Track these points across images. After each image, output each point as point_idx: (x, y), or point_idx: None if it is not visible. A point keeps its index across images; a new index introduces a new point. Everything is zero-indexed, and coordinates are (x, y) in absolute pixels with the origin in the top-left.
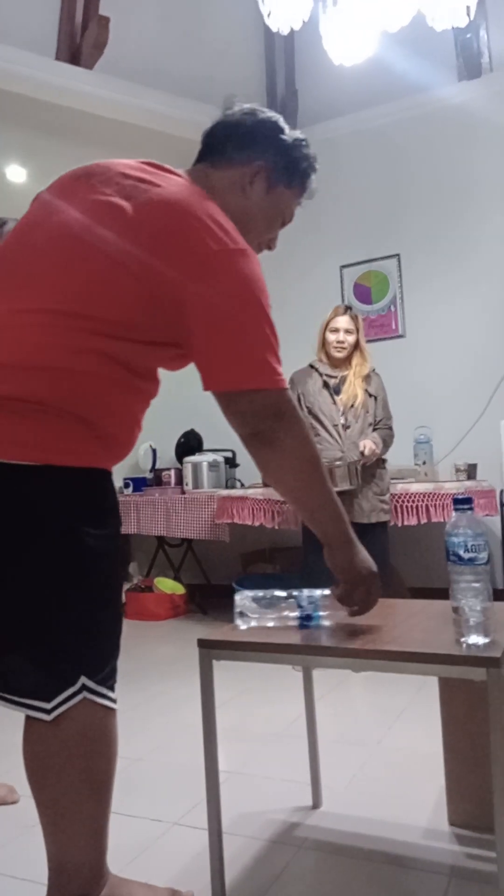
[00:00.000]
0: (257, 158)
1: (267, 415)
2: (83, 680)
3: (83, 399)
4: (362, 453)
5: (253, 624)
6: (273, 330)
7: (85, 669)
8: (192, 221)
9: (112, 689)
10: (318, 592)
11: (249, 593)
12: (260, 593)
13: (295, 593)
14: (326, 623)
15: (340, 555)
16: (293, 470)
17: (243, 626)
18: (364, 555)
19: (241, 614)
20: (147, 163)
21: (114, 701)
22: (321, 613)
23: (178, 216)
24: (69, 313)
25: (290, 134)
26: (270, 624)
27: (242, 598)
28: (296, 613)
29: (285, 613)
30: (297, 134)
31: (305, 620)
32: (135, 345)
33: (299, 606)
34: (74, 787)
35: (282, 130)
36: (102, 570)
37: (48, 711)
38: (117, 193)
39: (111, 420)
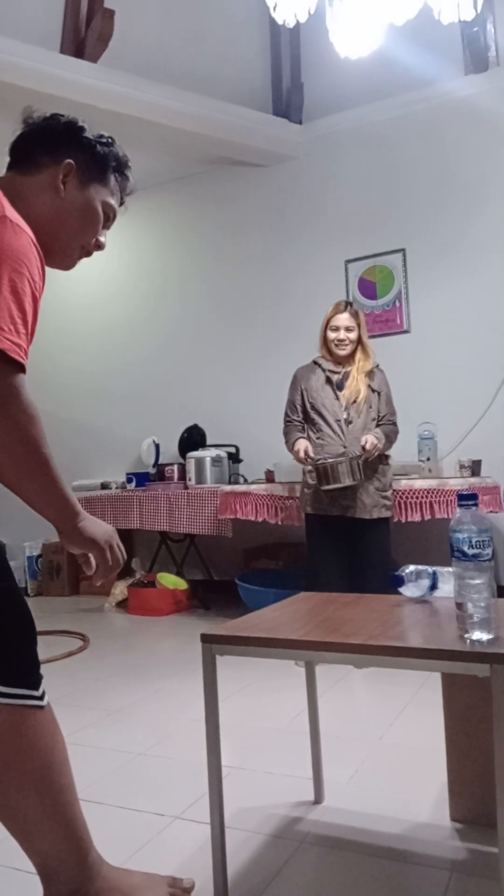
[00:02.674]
0: (65, 157)
1: None
2: None
3: None
4: (364, 448)
5: None
6: (17, 299)
7: None
8: None
9: (33, 685)
10: None
11: None
12: None
13: None
14: None
15: (75, 536)
16: (14, 455)
17: None
18: (94, 521)
19: None
20: None
21: (37, 698)
22: None
23: None
24: None
25: (91, 132)
26: None
27: None
28: None
29: None
30: (101, 132)
31: None
32: None
33: None
34: (20, 792)
35: (83, 130)
36: None
37: None
38: None
39: None
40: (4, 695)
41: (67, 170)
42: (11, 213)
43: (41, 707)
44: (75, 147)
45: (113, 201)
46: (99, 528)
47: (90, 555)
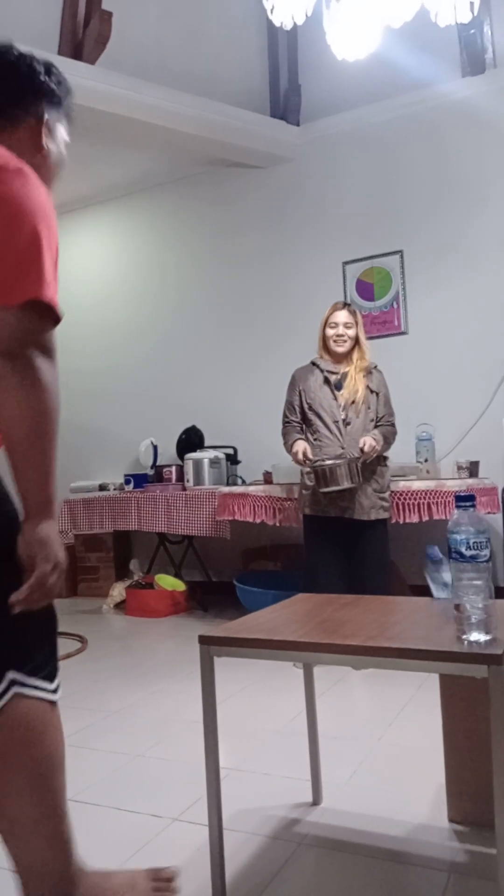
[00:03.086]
0: (33, 106)
1: (31, 329)
2: (11, 674)
3: None
4: (362, 450)
5: None
6: (52, 254)
7: (11, 663)
8: None
9: (50, 678)
10: None
11: None
12: None
13: None
14: None
15: (39, 527)
16: (35, 413)
17: None
18: (59, 537)
19: None
20: None
21: (52, 691)
22: None
23: None
24: None
25: (42, 66)
26: None
27: None
28: None
29: None
30: (48, 64)
31: None
32: None
33: None
34: (19, 789)
35: (40, 72)
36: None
37: None
38: None
39: None
40: (17, 682)
41: (45, 123)
42: (27, 166)
43: (53, 702)
44: (41, 91)
45: (67, 134)
46: (60, 543)
47: (32, 566)
